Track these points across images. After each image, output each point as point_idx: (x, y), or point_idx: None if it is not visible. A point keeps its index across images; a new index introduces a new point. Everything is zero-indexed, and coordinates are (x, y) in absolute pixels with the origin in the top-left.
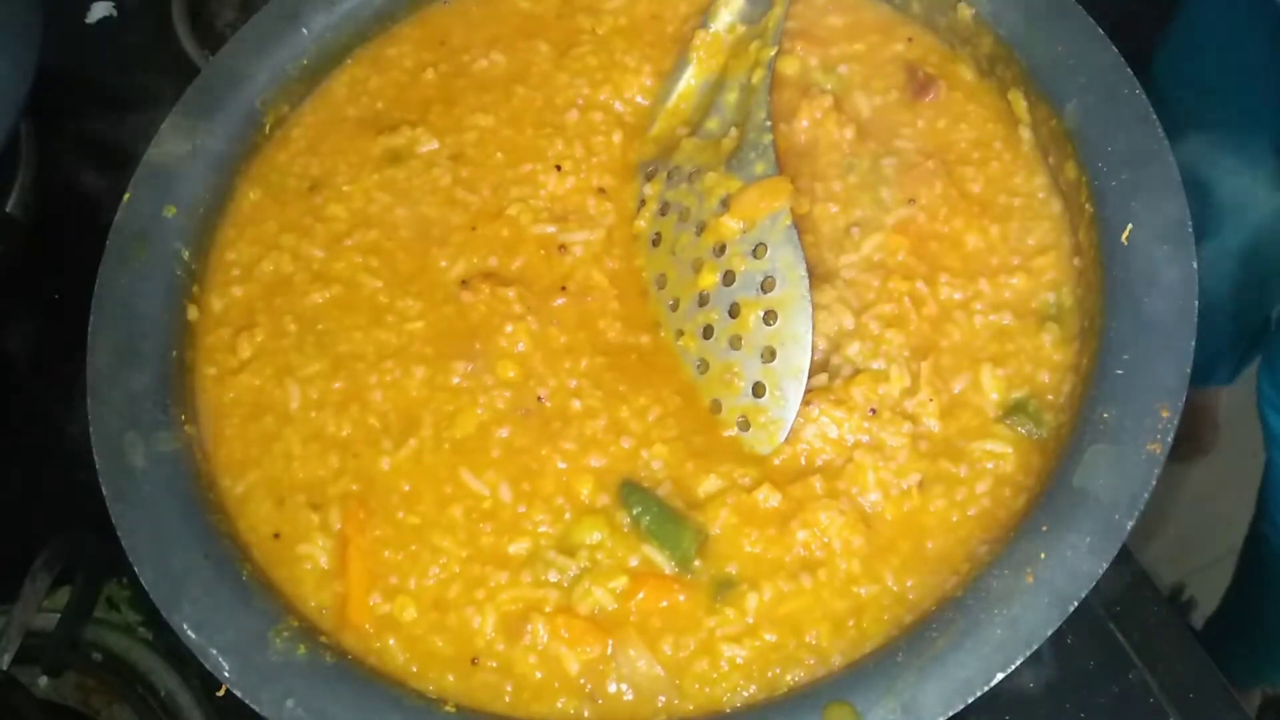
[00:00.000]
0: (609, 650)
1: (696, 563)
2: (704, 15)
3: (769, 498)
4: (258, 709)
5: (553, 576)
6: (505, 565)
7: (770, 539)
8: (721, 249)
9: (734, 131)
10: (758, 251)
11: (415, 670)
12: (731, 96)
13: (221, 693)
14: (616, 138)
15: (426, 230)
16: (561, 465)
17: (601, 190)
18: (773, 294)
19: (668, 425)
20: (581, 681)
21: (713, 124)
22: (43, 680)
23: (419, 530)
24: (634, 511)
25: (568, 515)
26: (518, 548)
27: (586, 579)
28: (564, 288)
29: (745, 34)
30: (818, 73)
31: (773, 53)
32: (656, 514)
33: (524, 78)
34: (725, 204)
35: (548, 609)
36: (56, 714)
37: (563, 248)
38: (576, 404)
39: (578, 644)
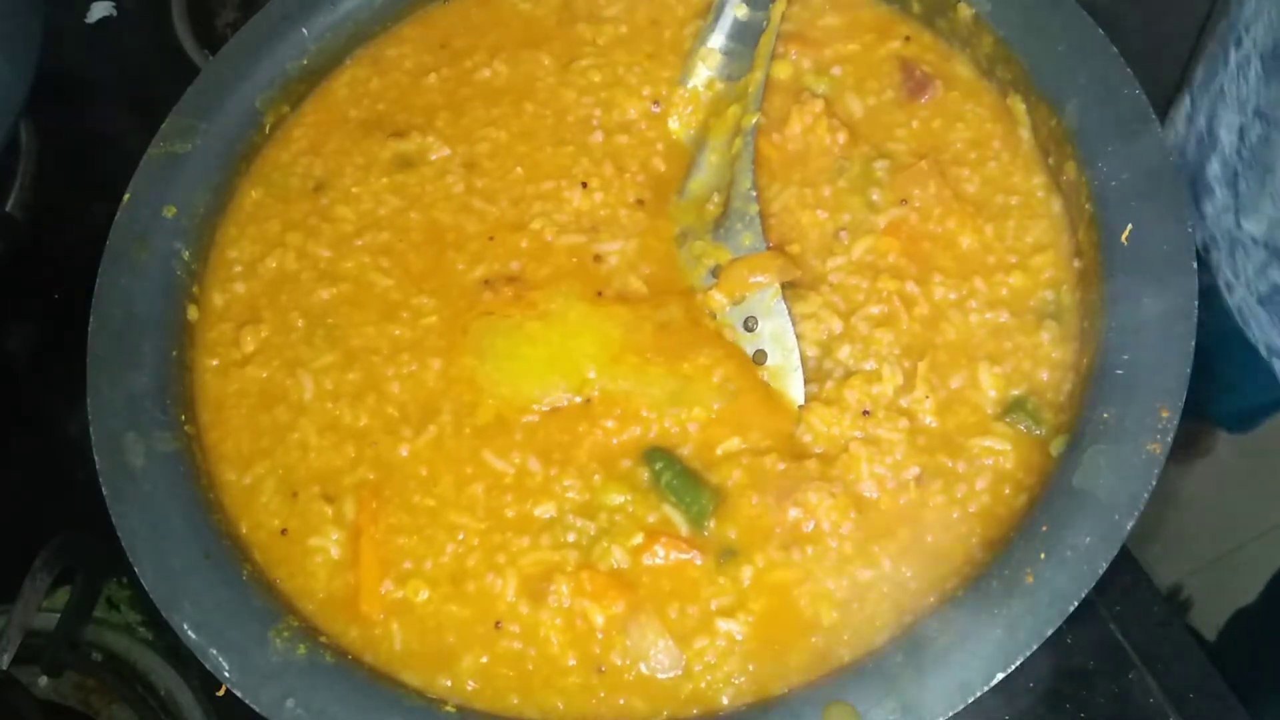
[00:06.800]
0: (626, 611)
1: (710, 523)
2: (683, 72)
3: (776, 464)
4: (258, 709)
5: (571, 538)
6: (526, 530)
7: (767, 506)
8: (711, 317)
9: (717, 197)
10: (748, 324)
11: (421, 650)
12: (714, 157)
13: (221, 693)
14: (659, 163)
15: (440, 235)
16: (599, 437)
17: (640, 202)
18: (765, 366)
19: (725, 389)
20: (597, 649)
21: (695, 184)
22: (43, 680)
23: (435, 512)
24: (655, 467)
25: (597, 478)
26: (544, 510)
27: (605, 538)
28: (600, 293)
29: (724, 91)
30: (810, 76)
31: (754, 120)
32: (679, 470)
33: (530, 93)
34: (714, 273)
35: (569, 568)
36: (56, 714)
37: (598, 258)
38: (624, 384)
39: (601, 598)
